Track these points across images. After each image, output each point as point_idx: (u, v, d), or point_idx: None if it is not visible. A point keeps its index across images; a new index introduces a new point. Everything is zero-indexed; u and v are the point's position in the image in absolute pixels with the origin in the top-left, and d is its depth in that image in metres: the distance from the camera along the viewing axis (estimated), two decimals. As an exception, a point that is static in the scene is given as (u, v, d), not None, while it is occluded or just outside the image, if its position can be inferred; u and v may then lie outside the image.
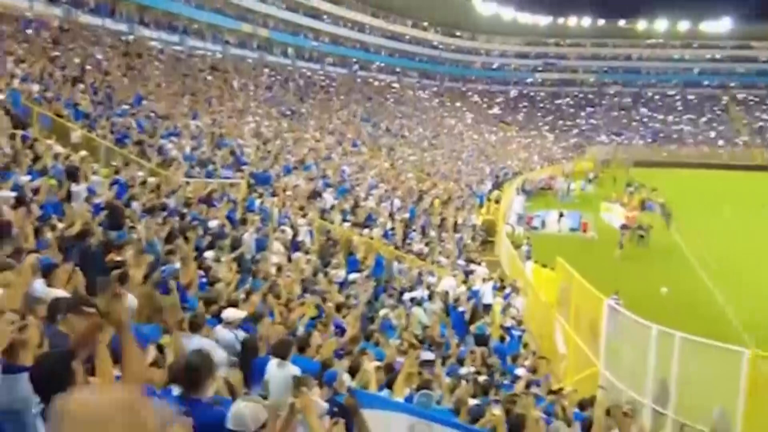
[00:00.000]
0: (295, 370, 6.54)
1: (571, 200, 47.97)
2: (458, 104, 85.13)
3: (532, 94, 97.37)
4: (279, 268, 13.21)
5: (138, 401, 1.46)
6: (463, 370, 10.52)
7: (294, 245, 16.60)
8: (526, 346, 16.15)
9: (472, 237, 30.29)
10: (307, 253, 16.55)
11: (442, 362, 10.90)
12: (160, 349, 5.34)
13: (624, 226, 33.93)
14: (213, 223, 14.18)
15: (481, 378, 10.25)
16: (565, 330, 16.52)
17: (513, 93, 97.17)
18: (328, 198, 23.63)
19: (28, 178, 11.69)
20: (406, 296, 16.22)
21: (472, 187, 43.73)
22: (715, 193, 49.84)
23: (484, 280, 20.52)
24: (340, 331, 10.55)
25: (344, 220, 22.18)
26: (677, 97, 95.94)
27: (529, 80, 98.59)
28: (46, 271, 6.66)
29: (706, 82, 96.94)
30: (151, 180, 15.48)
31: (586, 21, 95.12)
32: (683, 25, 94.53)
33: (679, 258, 31.02)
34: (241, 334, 7.74)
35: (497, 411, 6.80)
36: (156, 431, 1.48)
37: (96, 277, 6.75)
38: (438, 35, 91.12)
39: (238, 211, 16.69)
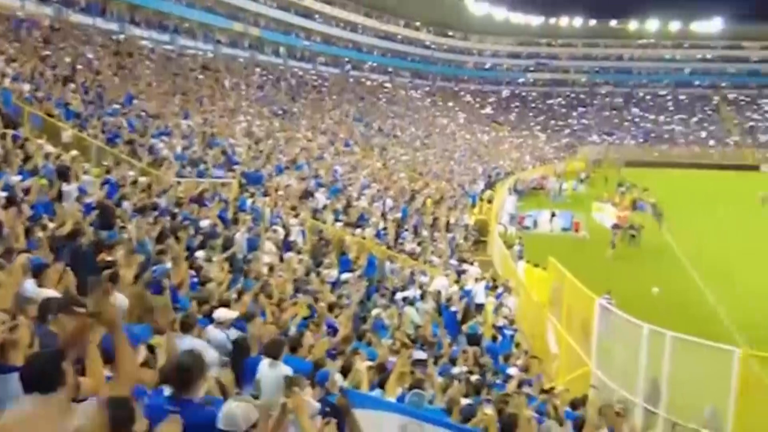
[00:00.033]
0: (287, 370, 6.52)
1: (562, 200, 48.11)
2: (450, 104, 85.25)
3: (524, 94, 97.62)
4: (271, 268, 13.18)
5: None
6: (455, 370, 10.51)
7: (286, 245, 16.57)
8: (518, 345, 16.16)
9: (464, 237, 30.33)
10: (299, 252, 16.53)
11: (435, 362, 10.89)
12: (151, 349, 5.33)
13: (615, 226, 34.06)
14: (204, 223, 14.13)
15: (474, 377, 10.24)
16: (557, 329, 16.55)
17: (505, 93, 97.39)
18: (321, 198, 23.60)
19: (18, 177, 11.64)
20: (399, 296, 16.19)
21: (465, 186, 43.80)
22: (707, 193, 50.06)
23: (476, 279, 20.54)
24: (333, 331, 10.52)
25: (336, 220, 22.17)
26: (668, 97, 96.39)
27: (521, 80, 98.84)
28: (37, 271, 6.64)
29: (697, 82, 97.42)
30: (142, 180, 15.41)
31: (578, 21, 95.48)
32: (674, 26, 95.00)
33: (671, 258, 31.14)
34: (233, 334, 7.72)
35: (489, 410, 6.80)
36: None
37: (87, 277, 6.72)
38: (430, 35, 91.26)
39: (229, 210, 16.64)
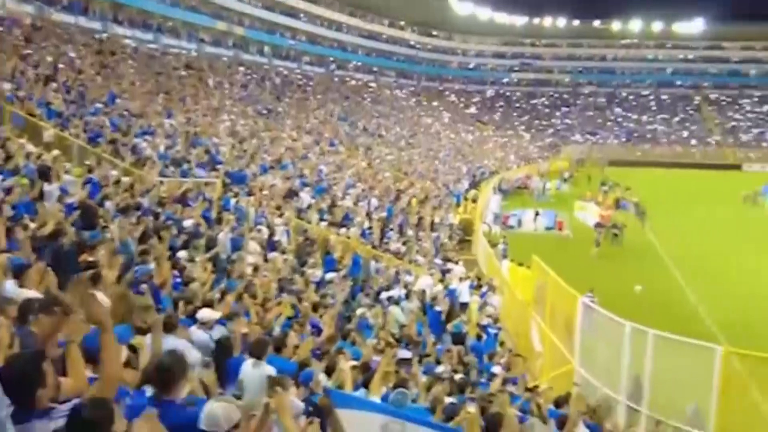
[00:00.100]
0: (270, 370, 6.52)
1: (546, 199, 48.33)
2: (435, 104, 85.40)
3: (508, 93, 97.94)
4: (255, 268, 13.14)
5: None
6: (439, 369, 10.53)
7: (270, 245, 16.52)
8: (502, 344, 16.24)
9: (449, 236, 30.38)
10: (283, 252, 16.49)
11: (419, 361, 10.90)
12: (133, 349, 5.29)
13: (598, 225, 34.29)
14: (188, 223, 14.05)
15: (458, 376, 10.27)
16: (540, 328, 16.62)
17: (489, 93, 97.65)
18: (305, 197, 23.55)
19: (-1, 177, 11.55)
20: (383, 295, 16.18)
21: (449, 186, 43.88)
22: (689, 192, 50.45)
23: (461, 278, 20.58)
24: (317, 330, 10.51)
25: (321, 220, 22.14)
26: (651, 97, 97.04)
27: (505, 80, 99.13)
28: (18, 272, 6.59)
29: (679, 83, 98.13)
30: (125, 179, 15.31)
31: (562, 21, 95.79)
32: (657, 26, 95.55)
33: (653, 257, 31.37)
34: (216, 334, 7.70)
35: (472, 409, 6.81)
36: None
37: (69, 278, 6.68)
38: (415, 35, 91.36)
39: (213, 210, 16.57)
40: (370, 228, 23.90)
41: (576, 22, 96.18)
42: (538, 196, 49.13)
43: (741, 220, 40.59)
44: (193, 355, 6.36)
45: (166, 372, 4.37)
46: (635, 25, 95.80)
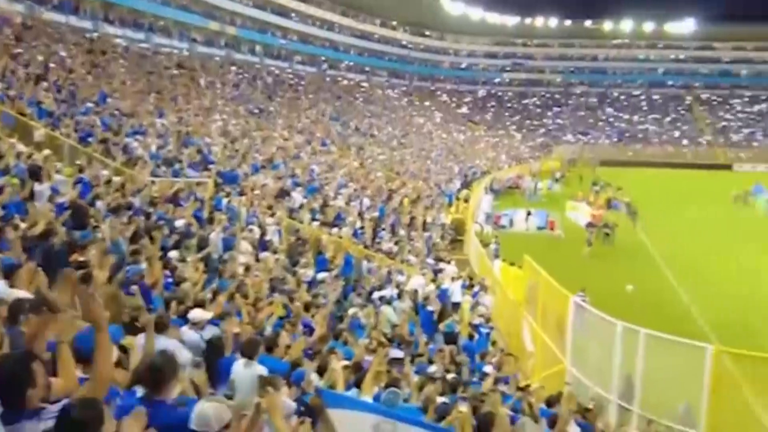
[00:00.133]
0: (262, 370, 6.50)
1: (538, 199, 48.43)
2: (427, 103, 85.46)
3: (499, 93, 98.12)
4: (247, 268, 13.11)
5: None
6: (431, 369, 10.53)
7: (262, 245, 16.48)
8: (494, 343, 16.24)
9: (441, 236, 30.38)
10: (275, 252, 16.45)
11: (411, 360, 10.90)
12: (123, 349, 5.28)
13: (590, 225, 34.38)
14: (179, 223, 14.01)
15: (450, 376, 10.27)
16: (532, 327, 16.66)
17: (481, 93, 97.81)
18: (297, 197, 23.51)
19: (-10, 177, 11.49)
20: (375, 295, 16.18)
21: (441, 186, 43.91)
22: (680, 192, 50.64)
23: (453, 278, 20.58)
24: (309, 330, 10.49)
25: (313, 219, 22.09)
26: (642, 97, 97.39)
27: (496, 80, 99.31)
28: (8, 272, 6.55)
29: (670, 83, 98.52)
30: (116, 179, 15.26)
31: (553, 21, 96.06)
32: (648, 26, 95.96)
33: (645, 256, 31.45)
34: (207, 334, 7.68)
35: (463, 408, 6.81)
36: None
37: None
38: (407, 35, 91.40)
39: (205, 210, 16.51)
40: (362, 228, 23.88)
41: (567, 22, 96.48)
42: (530, 196, 49.23)
43: (732, 219, 40.78)
44: (184, 355, 6.34)
45: (157, 372, 4.35)
46: (626, 25, 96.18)
